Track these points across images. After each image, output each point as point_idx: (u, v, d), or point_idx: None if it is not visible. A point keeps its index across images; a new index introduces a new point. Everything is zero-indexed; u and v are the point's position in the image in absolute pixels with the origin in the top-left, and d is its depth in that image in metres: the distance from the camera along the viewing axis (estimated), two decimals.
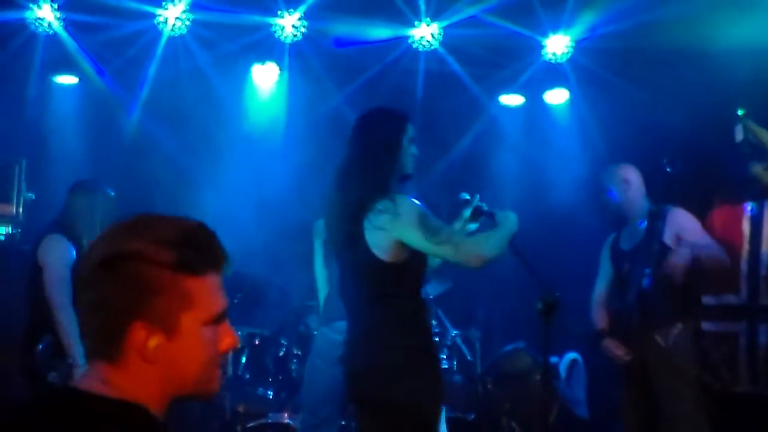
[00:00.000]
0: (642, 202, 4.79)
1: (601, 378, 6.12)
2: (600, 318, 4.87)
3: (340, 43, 5.87)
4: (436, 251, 3.13)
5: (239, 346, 5.46)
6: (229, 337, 1.60)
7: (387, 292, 3.18)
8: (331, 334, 4.46)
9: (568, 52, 6.25)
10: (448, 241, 3.09)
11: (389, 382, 3.13)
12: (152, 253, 1.48)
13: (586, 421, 6.46)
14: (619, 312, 4.70)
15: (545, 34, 6.16)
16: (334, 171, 3.29)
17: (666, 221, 4.58)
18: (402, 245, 3.11)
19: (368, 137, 3.31)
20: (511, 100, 7.00)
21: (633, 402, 4.66)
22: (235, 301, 5.71)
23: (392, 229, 3.08)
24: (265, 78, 6.48)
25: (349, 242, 3.19)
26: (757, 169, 4.49)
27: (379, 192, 3.15)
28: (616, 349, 4.62)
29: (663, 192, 4.69)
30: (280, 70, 6.34)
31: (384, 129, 3.34)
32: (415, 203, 3.15)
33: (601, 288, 4.97)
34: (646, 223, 4.69)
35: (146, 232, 1.51)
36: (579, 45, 6.21)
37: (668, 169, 4.58)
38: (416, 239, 3.08)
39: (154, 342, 1.49)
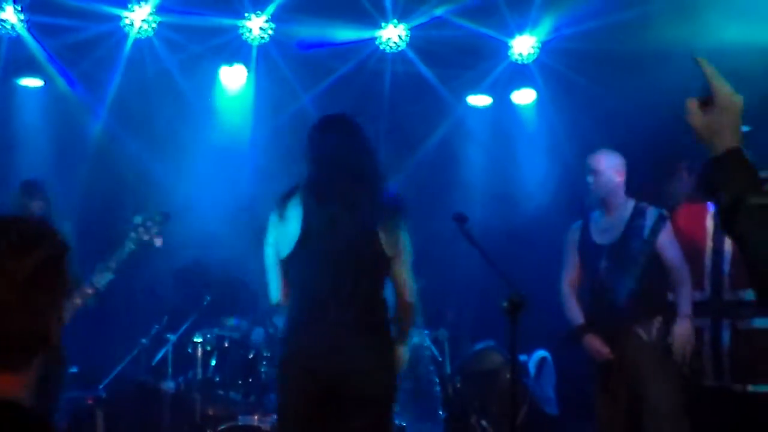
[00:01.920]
0: (616, 193, 4.67)
1: (570, 375, 6.18)
2: (576, 313, 4.73)
3: (304, 45, 5.87)
4: (408, 259, 3.47)
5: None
6: None
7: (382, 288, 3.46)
8: None
9: (534, 53, 6.31)
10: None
11: (392, 379, 3.41)
12: None
13: (555, 418, 6.52)
14: (597, 307, 4.63)
15: (511, 35, 6.22)
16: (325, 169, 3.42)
17: (647, 223, 4.55)
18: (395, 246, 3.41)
19: (362, 139, 3.53)
20: (479, 100, 7.05)
21: (610, 398, 4.56)
22: (205, 303, 5.70)
23: (400, 228, 3.43)
24: (233, 80, 6.46)
25: (362, 240, 3.36)
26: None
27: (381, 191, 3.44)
28: (600, 345, 4.51)
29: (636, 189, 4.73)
30: (248, 72, 6.33)
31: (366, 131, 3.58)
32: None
33: (568, 279, 4.83)
34: (627, 218, 4.61)
35: None
36: (545, 46, 6.27)
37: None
38: (408, 243, 3.43)
39: None
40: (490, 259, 4.00)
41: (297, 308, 3.47)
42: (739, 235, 1.71)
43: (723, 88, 1.79)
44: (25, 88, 6.43)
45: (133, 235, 3.88)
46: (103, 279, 3.86)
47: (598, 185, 4.69)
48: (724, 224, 1.74)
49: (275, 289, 3.59)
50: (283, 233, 3.42)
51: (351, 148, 3.46)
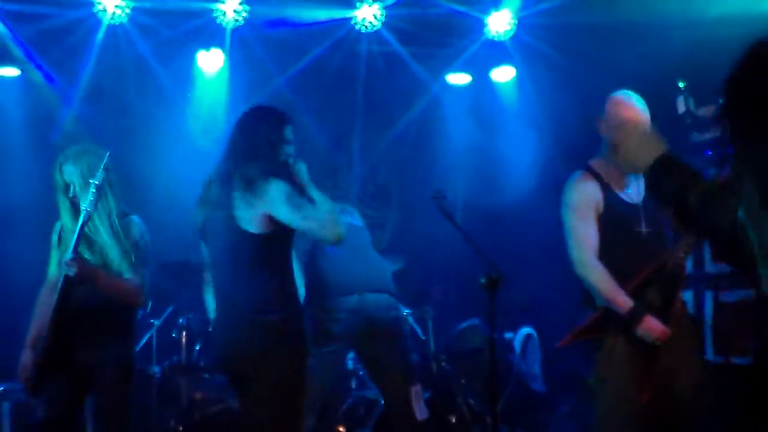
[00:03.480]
0: None
1: (555, 352, 6.21)
2: (622, 292, 3.66)
3: (273, 24, 5.84)
4: (300, 225, 3.40)
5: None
6: None
7: (254, 266, 3.44)
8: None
9: (510, 30, 6.28)
10: (311, 217, 3.38)
11: (257, 361, 3.37)
12: None
13: (541, 395, 6.56)
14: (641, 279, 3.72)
15: (486, 11, 6.19)
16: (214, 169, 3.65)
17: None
18: (270, 219, 3.40)
19: (248, 137, 3.61)
20: (458, 78, 7.04)
21: (642, 380, 3.69)
22: (188, 287, 5.70)
23: (261, 205, 3.38)
24: (210, 64, 6.43)
25: (222, 221, 3.49)
26: None
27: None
28: (660, 324, 3.64)
29: None
30: (225, 56, 6.30)
31: (263, 130, 3.61)
32: (284, 184, 3.43)
33: (593, 250, 3.75)
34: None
35: None
36: (522, 22, 6.25)
37: None
38: (284, 214, 3.37)
39: None
40: (468, 236, 4.03)
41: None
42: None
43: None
44: (2, 78, 6.36)
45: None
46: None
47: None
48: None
49: None
50: None
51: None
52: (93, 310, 3.84)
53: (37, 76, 6.11)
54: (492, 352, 3.83)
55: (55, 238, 4.03)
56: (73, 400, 3.88)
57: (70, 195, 3.91)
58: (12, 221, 6.17)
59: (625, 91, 3.84)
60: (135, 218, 4.02)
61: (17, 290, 5.06)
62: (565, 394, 6.40)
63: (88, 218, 3.74)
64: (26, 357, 3.91)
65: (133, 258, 3.89)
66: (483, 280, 3.82)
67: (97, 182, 3.74)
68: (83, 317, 3.81)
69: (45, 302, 3.94)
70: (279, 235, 3.44)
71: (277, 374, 3.37)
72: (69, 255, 3.71)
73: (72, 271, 3.70)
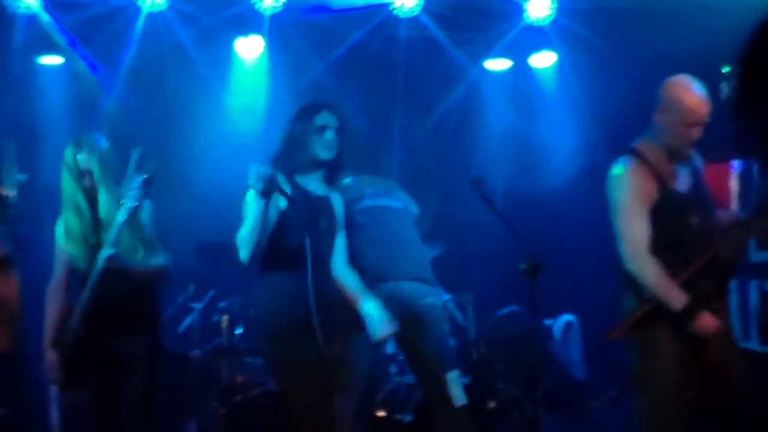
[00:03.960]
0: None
1: (596, 340, 6.16)
2: (675, 287, 3.51)
3: (311, 10, 5.84)
4: None
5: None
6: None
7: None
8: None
9: (551, 14, 6.21)
10: None
11: None
12: None
13: (582, 383, 6.51)
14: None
15: None
16: None
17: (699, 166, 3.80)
18: None
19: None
20: (497, 64, 6.98)
21: (691, 375, 3.59)
22: (228, 271, 5.75)
23: None
24: (249, 51, 6.45)
25: None
26: None
27: None
28: (712, 318, 3.51)
29: None
30: (265, 42, 6.32)
31: (290, 124, 3.72)
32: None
33: (646, 241, 3.58)
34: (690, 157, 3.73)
35: None
36: (562, 6, 6.18)
37: None
38: None
39: None
40: (508, 222, 4.00)
41: None
42: None
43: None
44: (46, 66, 6.45)
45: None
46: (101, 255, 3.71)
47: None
48: None
49: None
50: None
51: None
52: (121, 297, 3.80)
53: (80, 65, 6.17)
54: (533, 337, 3.83)
55: (61, 230, 3.95)
56: (110, 388, 3.88)
57: (86, 183, 3.86)
58: (53, 209, 6.28)
59: (685, 75, 3.66)
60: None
61: None
62: (606, 383, 6.36)
63: (134, 212, 3.66)
64: (51, 357, 3.85)
65: (150, 241, 3.88)
66: (524, 266, 3.80)
67: (145, 176, 3.65)
68: (111, 306, 3.78)
69: (57, 300, 3.93)
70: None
71: None
72: (109, 250, 3.66)
73: (109, 266, 3.66)
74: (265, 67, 6.44)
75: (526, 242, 3.87)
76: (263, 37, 6.24)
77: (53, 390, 5.43)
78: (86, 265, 3.81)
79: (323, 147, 3.63)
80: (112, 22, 5.82)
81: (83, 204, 3.89)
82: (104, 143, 3.97)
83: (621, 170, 3.63)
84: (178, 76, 6.19)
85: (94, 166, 3.87)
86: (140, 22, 5.84)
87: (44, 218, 5.98)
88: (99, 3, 5.68)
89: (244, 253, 3.43)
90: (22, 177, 5.61)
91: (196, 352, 5.63)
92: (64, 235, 3.90)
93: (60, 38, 5.91)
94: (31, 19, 5.83)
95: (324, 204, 3.68)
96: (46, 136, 6.39)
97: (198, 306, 5.78)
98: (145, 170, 3.69)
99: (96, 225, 3.87)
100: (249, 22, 6.10)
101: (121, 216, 3.65)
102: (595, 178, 3.75)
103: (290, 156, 3.63)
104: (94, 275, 3.70)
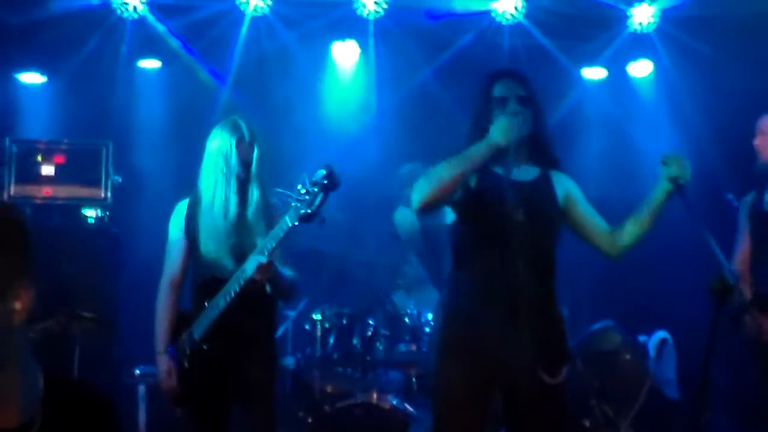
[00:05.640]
0: None
1: (693, 358, 5.96)
2: (743, 289, 4.25)
3: (432, 15, 5.78)
4: None
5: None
6: None
7: None
8: None
9: (654, 22, 6.07)
10: None
11: None
12: None
13: (676, 402, 6.31)
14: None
15: (631, 3, 6.00)
16: None
17: None
18: None
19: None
20: (594, 73, 6.83)
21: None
22: (322, 281, 5.73)
23: None
24: (346, 56, 6.45)
25: None
26: None
27: None
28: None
29: None
30: (360, 47, 6.31)
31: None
32: None
33: (740, 255, 4.41)
34: None
35: None
36: (665, 13, 6.03)
37: None
38: None
39: None
40: (706, 231, 3.58)
41: None
42: None
43: None
44: (144, 69, 6.52)
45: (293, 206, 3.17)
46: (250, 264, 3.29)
47: (765, 149, 4.36)
48: None
49: None
50: None
51: None
52: (251, 310, 3.44)
53: (182, 67, 6.22)
54: (706, 362, 3.52)
55: (182, 222, 3.56)
56: (222, 407, 3.56)
57: (241, 176, 3.43)
58: (156, 215, 6.36)
59: None
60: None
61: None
62: (701, 403, 6.14)
63: (307, 218, 3.15)
64: (165, 363, 3.55)
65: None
66: (715, 285, 3.53)
67: (325, 182, 3.12)
68: (239, 319, 3.42)
69: (171, 301, 3.61)
70: None
71: None
72: (261, 257, 3.23)
73: (260, 276, 3.24)
74: (363, 72, 6.42)
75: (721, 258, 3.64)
76: (364, 41, 6.23)
77: (141, 391, 5.44)
78: (220, 270, 3.45)
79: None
80: (214, 26, 5.87)
81: (233, 199, 3.45)
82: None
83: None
84: (279, 78, 6.20)
85: (254, 158, 3.44)
86: (244, 27, 5.86)
87: (139, 219, 6.10)
88: (202, 7, 5.72)
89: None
90: (118, 179, 5.68)
91: (289, 360, 5.59)
92: (200, 235, 3.49)
93: (164, 41, 5.96)
94: (136, 22, 5.90)
95: None
96: (140, 139, 6.48)
97: (292, 314, 5.75)
98: (326, 177, 3.14)
99: (241, 225, 3.46)
100: (348, 27, 6.10)
101: (290, 220, 3.18)
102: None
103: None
104: (238, 282, 3.33)
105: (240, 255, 3.42)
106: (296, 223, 3.17)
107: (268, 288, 3.39)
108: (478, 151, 2.94)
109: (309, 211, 3.14)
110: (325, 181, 3.14)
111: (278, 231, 3.22)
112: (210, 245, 3.48)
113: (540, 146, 3.18)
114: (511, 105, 3.11)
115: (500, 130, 2.92)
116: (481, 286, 3.01)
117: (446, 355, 3.08)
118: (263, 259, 3.24)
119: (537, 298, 2.96)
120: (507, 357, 2.92)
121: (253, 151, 3.47)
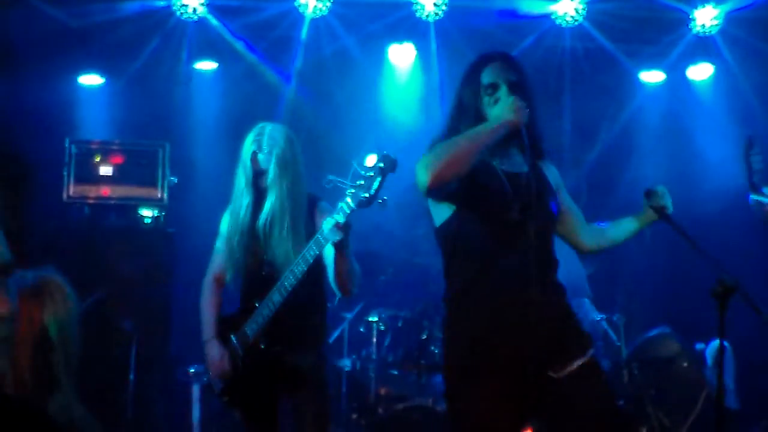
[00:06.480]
0: None
1: (754, 367, 5.86)
2: None
3: (472, 17, 5.73)
4: None
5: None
6: None
7: None
8: None
9: (718, 24, 5.95)
10: None
11: None
12: None
13: (735, 412, 6.19)
14: None
15: (694, 5, 5.89)
16: None
17: None
18: None
19: None
20: (652, 76, 6.71)
21: None
22: (378, 283, 5.71)
23: None
24: (402, 58, 6.43)
25: None
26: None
27: None
28: None
29: None
30: (416, 50, 6.29)
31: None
32: None
33: None
34: None
35: None
36: (729, 15, 5.91)
37: None
38: None
39: None
40: (695, 244, 3.72)
41: None
42: None
43: None
44: (200, 71, 6.56)
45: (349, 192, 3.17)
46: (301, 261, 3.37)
47: None
48: None
49: None
50: None
51: None
52: (302, 304, 3.50)
53: (238, 69, 6.25)
54: (720, 366, 3.55)
55: (226, 223, 3.69)
56: (274, 405, 3.62)
57: (259, 184, 3.54)
58: (211, 215, 6.40)
59: None
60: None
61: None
62: (761, 412, 6.05)
63: (366, 202, 3.14)
64: (216, 347, 3.60)
65: None
66: (717, 288, 3.56)
67: (380, 177, 3.09)
68: (292, 313, 3.48)
69: (213, 297, 3.73)
70: None
71: None
72: (343, 219, 3.19)
73: (335, 235, 3.21)
74: (418, 73, 6.41)
75: (718, 263, 3.63)
76: (418, 44, 6.22)
77: (195, 390, 5.47)
78: (234, 271, 3.61)
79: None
80: (274, 27, 5.87)
81: (246, 207, 3.59)
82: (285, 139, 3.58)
83: None
84: (339, 79, 6.21)
85: (271, 167, 3.50)
86: (305, 29, 5.85)
87: (194, 219, 6.14)
88: (261, 9, 5.73)
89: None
90: (174, 179, 5.72)
91: (345, 362, 5.59)
92: (229, 238, 3.65)
93: (224, 43, 5.98)
94: (195, 24, 5.93)
95: None
96: (197, 141, 6.52)
97: (349, 316, 5.74)
98: (382, 159, 3.09)
99: (253, 233, 3.58)
100: (406, 29, 6.07)
101: (348, 206, 3.16)
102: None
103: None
104: (289, 282, 3.39)
105: (260, 261, 3.58)
106: (354, 208, 3.16)
107: (330, 270, 3.47)
108: (489, 127, 2.77)
109: (368, 194, 3.10)
110: (382, 164, 3.08)
111: (341, 214, 3.19)
112: (235, 249, 3.63)
113: (532, 136, 2.89)
114: (503, 91, 2.90)
115: (509, 110, 2.76)
116: (488, 282, 2.83)
117: (469, 380, 2.78)
118: (341, 219, 3.20)
119: (544, 290, 2.86)
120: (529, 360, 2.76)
121: (270, 160, 3.53)
